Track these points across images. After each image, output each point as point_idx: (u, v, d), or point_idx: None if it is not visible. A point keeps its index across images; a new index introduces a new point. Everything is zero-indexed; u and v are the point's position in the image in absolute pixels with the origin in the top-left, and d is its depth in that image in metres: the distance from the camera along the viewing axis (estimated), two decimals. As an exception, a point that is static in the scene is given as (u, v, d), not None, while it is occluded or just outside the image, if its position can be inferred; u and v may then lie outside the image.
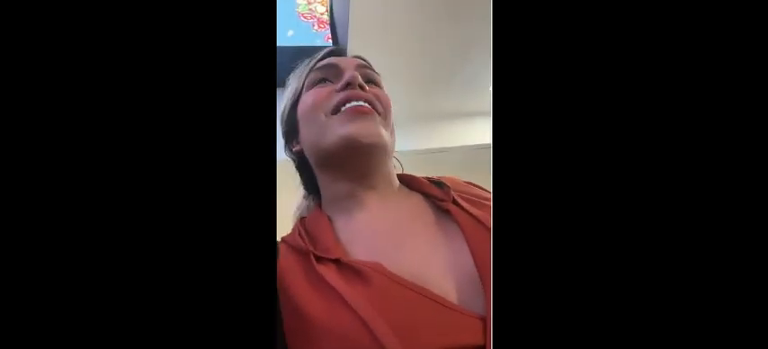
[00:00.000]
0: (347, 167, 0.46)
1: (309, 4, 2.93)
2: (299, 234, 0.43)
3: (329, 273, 0.37)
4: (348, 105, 0.44)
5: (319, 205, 0.50)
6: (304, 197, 0.56)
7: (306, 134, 0.47)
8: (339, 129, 0.43)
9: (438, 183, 0.48)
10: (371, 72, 0.50)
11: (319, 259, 0.39)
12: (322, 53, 0.50)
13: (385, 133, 0.46)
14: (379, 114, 0.46)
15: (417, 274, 0.37)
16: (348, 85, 0.45)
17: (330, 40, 2.89)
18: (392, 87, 0.52)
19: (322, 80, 0.48)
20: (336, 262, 0.39)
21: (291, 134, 0.51)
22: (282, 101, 0.52)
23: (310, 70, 0.49)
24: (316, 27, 2.92)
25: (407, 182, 0.51)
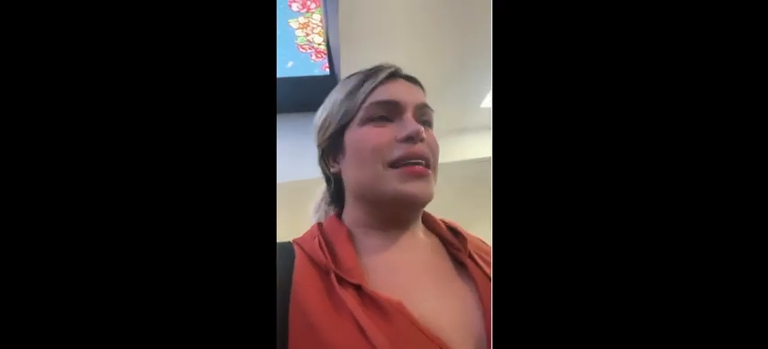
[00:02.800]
0: (389, 214, 0.47)
1: (307, 36, 2.99)
2: (319, 244, 0.42)
3: (350, 299, 0.37)
4: (407, 164, 0.44)
5: (339, 215, 0.50)
6: (324, 201, 0.56)
7: (355, 170, 0.47)
8: (396, 185, 0.43)
9: (454, 231, 0.51)
10: (427, 110, 0.50)
11: (340, 280, 0.39)
12: (381, 74, 0.48)
13: (434, 187, 0.47)
14: (431, 170, 0.47)
15: (433, 322, 0.38)
16: (409, 139, 0.44)
17: (328, 70, 2.94)
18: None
19: (381, 117, 0.46)
20: (358, 288, 0.39)
21: (331, 153, 0.51)
22: (324, 111, 0.51)
23: (367, 96, 0.47)
24: (314, 57, 2.98)
25: (427, 222, 0.52)
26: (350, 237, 0.46)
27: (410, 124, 0.45)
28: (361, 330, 0.35)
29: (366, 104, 0.47)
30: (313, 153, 0.56)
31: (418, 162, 0.45)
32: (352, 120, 0.48)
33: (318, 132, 0.52)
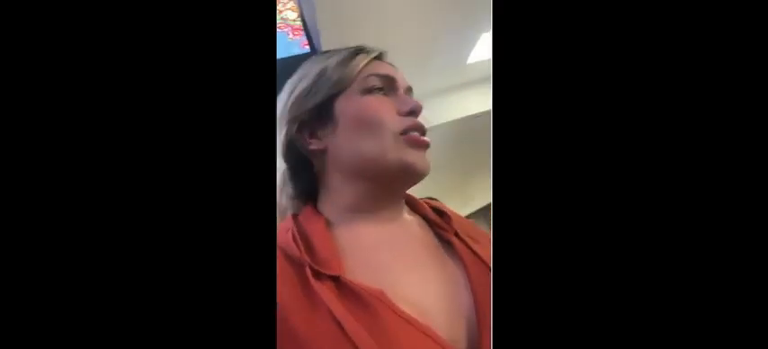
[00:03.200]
0: (385, 187, 0.44)
1: (280, 13, 2.90)
2: (294, 237, 0.39)
3: (326, 292, 0.35)
4: (413, 133, 0.43)
5: (314, 206, 0.46)
6: (290, 197, 0.50)
7: (356, 141, 0.43)
8: (406, 155, 0.42)
9: (438, 211, 0.48)
10: (411, 92, 0.49)
11: (317, 274, 0.36)
12: (373, 52, 0.46)
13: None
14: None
15: (418, 305, 0.36)
16: (412, 113, 0.44)
17: (307, 47, 2.88)
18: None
19: (379, 89, 0.44)
20: (335, 279, 0.36)
21: (313, 127, 0.46)
22: (305, 80, 0.46)
23: (364, 67, 0.45)
24: (290, 35, 2.90)
25: (410, 203, 0.50)
26: (328, 226, 0.42)
27: (409, 99, 0.45)
28: (340, 325, 0.32)
29: (365, 75, 0.45)
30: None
31: (423, 136, 0.44)
32: (345, 89, 0.45)
33: (295, 103, 0.46)
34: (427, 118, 0.46)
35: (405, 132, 0.43)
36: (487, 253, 0.43)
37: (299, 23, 2.89)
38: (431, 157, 0.45)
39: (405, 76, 0.48)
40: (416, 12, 2.18)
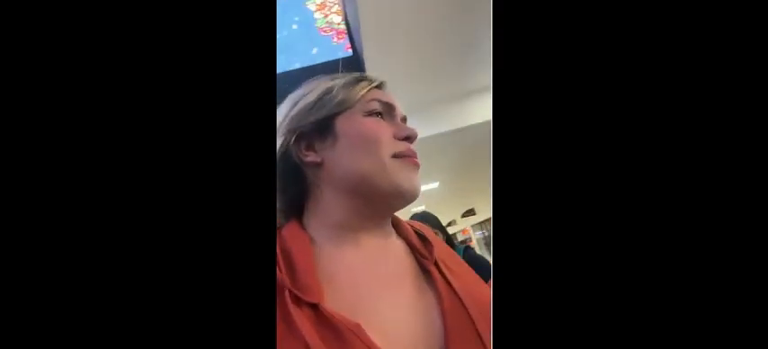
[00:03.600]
0: (376, 205, 0.46)
1: (326, 17, 2.98)
2: (276, 256, 0.40)
3: (304, 321, 0.35)
4: (406, 157, 0.45)
5: (299, 221, 0.47)
6: (277, 209, 0.50)
7: (355, 158, 0.44)
8: (400, 178, 0.44)
9: (421, 237, 0.50)
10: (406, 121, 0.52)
11: (296, 299, 0.36)
12: (375, 80, 0.50)
13: None
14: None
15: (393, 339, 0.37)
16: (408, 139, 0.46)
17: (350, 50, 2.94)
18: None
19: (378, 113, 0.47)
20: (314, 307, 0.36)
21: (310, 140, 0.47)
22: (311, 95, 0.48)
23: (368, 91, 0.48)
24: (335, 39, 2.97)
25: (396, 225, 0.51)
26: (312, 244, 0.43)
27: (406, 127, 0.48)
28: None
29: (368, 99, 0.47)
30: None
31: (416, 160, 0.47)
32: (348, 108, 0.47)
33: (297, 116, 0.47)
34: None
35: (399, 156, 0.45)
36: (463, 285, 0.44)
37: (343, 27, 2.96)
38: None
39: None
40: (456, 12, 2.19)
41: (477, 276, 0.50)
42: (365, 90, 0.48)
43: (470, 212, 9.26)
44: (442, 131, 3.31)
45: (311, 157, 0.46)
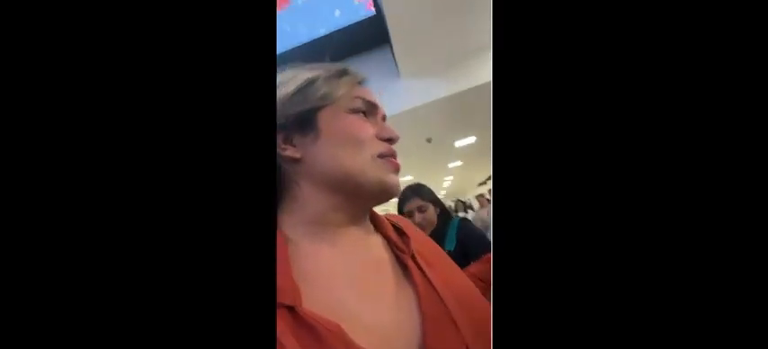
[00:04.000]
0: (356, 202, 0.46)
1: (348, -23, 2.91)
2: None
3: (280, 323, 0.34)
4: (389, 157, 0.46)
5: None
6: None
7: (337, 155, 0.44)
8: (383, 176, 0.44)
9: (398, 230, 0.50)
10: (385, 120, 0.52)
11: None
12: (359, 75, 0.49)
13: None
14: None
15: (374, 337, 0.37)
16: (390, 140, 0.47)
17: (372, 9, 2.86)
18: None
19: (362, 112, 0.47)
20: (290, 309, 0.36)
21: (291, 134, 0.46)
22: (291, 85, 0.47)
23: (352, 87, 0.47)
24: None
25: (373, 220, 0.51)
26: (286, 243, 0.42)
27: (389, 128, 0.48)
28: None
29: (352, 95, 0.46)
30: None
31: (397, 161, 0.47)
32: (331, 104, 0.45)
33: (280, 107, 0.47)
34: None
35: (381, 156, 0.45)
36: (439, 277, 0.45)
37: (364, -15, 2.88)
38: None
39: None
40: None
41: (455, 265, 0.52)
42: (349, 85, 0.47)
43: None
44: (477, 84, 3.25)
45: (290, 152, 0.45)
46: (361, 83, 0.49)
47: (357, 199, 0.45)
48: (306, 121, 0.45)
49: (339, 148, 0.44)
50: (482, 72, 3.22)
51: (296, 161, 0.45)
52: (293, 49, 3.12)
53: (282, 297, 0.36)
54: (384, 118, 0.51)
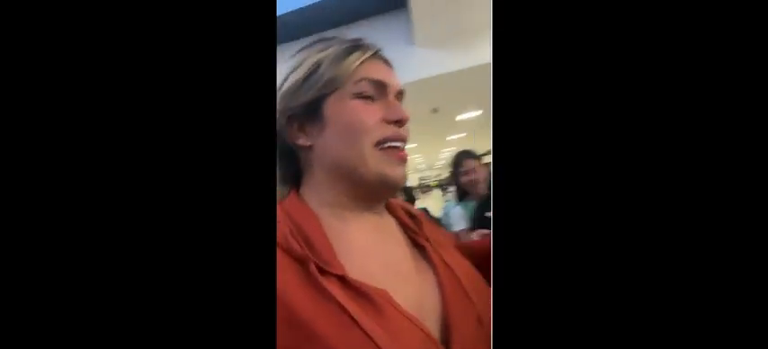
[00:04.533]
0: (365, 194, 0.46)
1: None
2: (291, 232, 0.40)
3: (335, 289, 0.36)
4: (393, 144, 0.44)
5: (297, 193, 0.47)
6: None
7: (339, 146, 0.44)
8: (383, 168, 0.43)
9: (410, 214, 0.52)
10: (403, 96, 0.49)
11: (322, 271, 0.37)
12: (368, 50, 0.47)
13: None
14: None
15: (413, 309, 0.39)
16: (398, 122, 0.44)
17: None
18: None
19: (367, 96, 0.45)
20: (341, 278, 0.37)
21: (302, 123, 0.46)
22: (299, 72, 0.46)
23: (356, 69, 0.45)
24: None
25: (387, 205, 0.52)
26: (319, 222, 0.43)
27: (398, 108, 0.45)
28: (353, 320, 0.34)
29: (357, 78, 0.45)
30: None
31: (402, 147, 0.45)
32: (336, 89, 0.44)
33: (286, 95, 0.46)
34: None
35: (385, 141, 0.44)
36: (453, 259, 0.48)
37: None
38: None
39: (397, 78, 0.48)
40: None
41: (456, 247, 0.54)
42: (355, 65, 0.45)
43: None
44: (486, 61, 3.22)
45: (302, 140, 0.46)
46: (374, 55, 0.47)
47: (362, 190, 0.45)
48: (314, 110, 0.45)
49: (340, 139, 0.44)
50: (486, 48, 3.20)
51: (309, 148, 0.46)
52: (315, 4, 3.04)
53: (332, 267, 0.38)
54: (400, 94, 0.48)
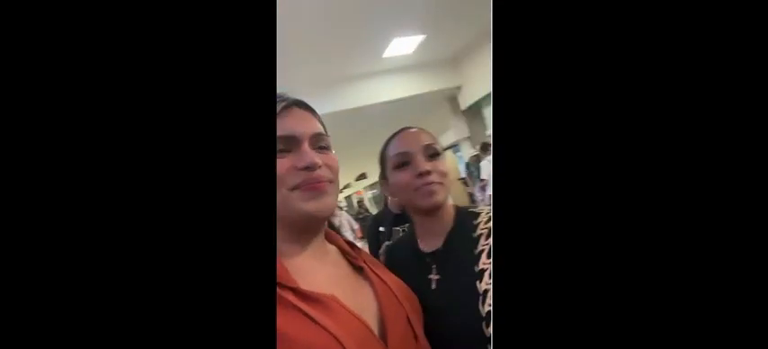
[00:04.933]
0: (301, 231, 0.53)
1: None
2: None
3: (291, 298, 0.42)
4: (306, 184, 0.50)
5: None
6: None
7: None
8: (301, 205, 0.49)
9: (350, 243, 0.61)
10: (323, 137, 0.55)
11: (280, 285, 0.43)
12: (277, 107, 0.52)
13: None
14: (331, 183, 0.53)
15: (358, 313, 0.46)
16: (307, 168, 0.50)
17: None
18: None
19: (281, 151, 0.50)
20: (294, 290, 0.44)
21: None
22: None
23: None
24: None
25: (328, 237, 0.60)
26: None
27: (307, 155, 0.50)
28: (310, 319, 0.41)
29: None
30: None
31: (318, 182, 0.51)
32: None
33: None
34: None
35: (297, 187, 0.50)
36: (384, 273, 0.58)
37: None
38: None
39: (314, 120, 0.55)
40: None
41: (385, 267, 0.63)
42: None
43: (362, 176, 11.40)
44: (342, 109, 4.12)
45: None
46: (286, 108, 0.52)
47: (296, 227, 0.52)
48: None
49: None
50: (343, 99, 4.43)
51: None
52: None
53: (287, 281, 0.44)
54: (316, 137, 0.53)
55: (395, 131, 0.72)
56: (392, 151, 0.69)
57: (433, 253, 0.68)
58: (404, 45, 4.07)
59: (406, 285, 0.60)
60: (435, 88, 4.94)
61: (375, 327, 0.48)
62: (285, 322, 0.39)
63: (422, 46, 4.20)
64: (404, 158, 0.68)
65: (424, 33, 3.96)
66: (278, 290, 0.42)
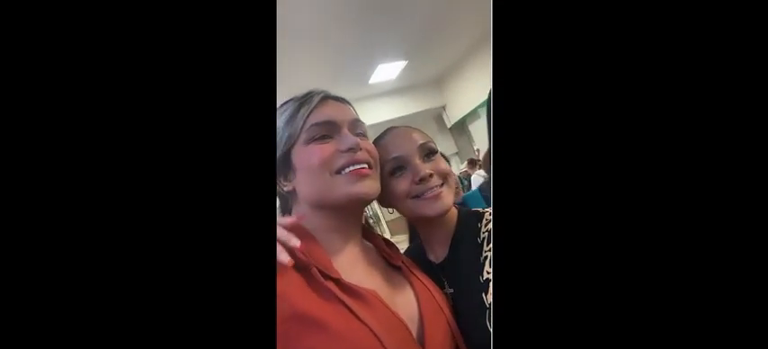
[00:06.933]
0: (344, 214, 0.55)
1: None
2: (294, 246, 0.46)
3: (334, 288, 0.44)
4: (351, 168, 0.52)
5: (290, 213, 0.58)
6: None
7: (308, 183, 0.53)
8: (347, 188, 0.51)
9: (387, 242, 0.63)
10: (360, 123, 0.58)
11: (323, 275, 0.45)
12: (315, 99, 0.55)
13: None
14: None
15: (396, 310, 0.47)
16: (350, 150, 0.52)
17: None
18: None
19: (322, 136, 0.53)
20: (336, 281, 0.45)
21: (281, 174, 0.57)
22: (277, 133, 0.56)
23: (305, 120, 0.54)
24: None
25: (366, 235, 0.62)
26: (314, 238, 0.52)
27: (348, 138, 0.54)
28: (351, 312, 0.42)
29: (306, 127, 0.54)
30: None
31: (362, 165, 0.53)
32: (295, 142, 0.54)
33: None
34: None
35: (342, 168, 0.52)
36: (423, 277, 0.59)
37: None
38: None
39: (351, 109, 0.59)
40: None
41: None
42: (305, 116, 0.54)
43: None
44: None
45: (287, 187, 0.57)
46: (322, 101, 0.56)
47: (337, 213, 0.54)
48: (286, 161, 0.56)
49: (308, 177, 0.54)
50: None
51: (292, 191, 0.57)
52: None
53: (330, 271, 0.46)
54: (353, 123, 0.56)
55: (379, 134, 0.65)
56: (383, 157, 0.61)
57: (441, 264, 0.63)
58: (389, 70, 4.26)
59: (440, 290, 0.59)
60: (421, 109, 5.10)
61: (413, 329, 0.48)
62: (326, 312, 0.40)
63: (405, 70, 4.40)
64: (398, 163, 0.60)
65: (406, 59, 4.16)
66: (323, 279, 0.43)
